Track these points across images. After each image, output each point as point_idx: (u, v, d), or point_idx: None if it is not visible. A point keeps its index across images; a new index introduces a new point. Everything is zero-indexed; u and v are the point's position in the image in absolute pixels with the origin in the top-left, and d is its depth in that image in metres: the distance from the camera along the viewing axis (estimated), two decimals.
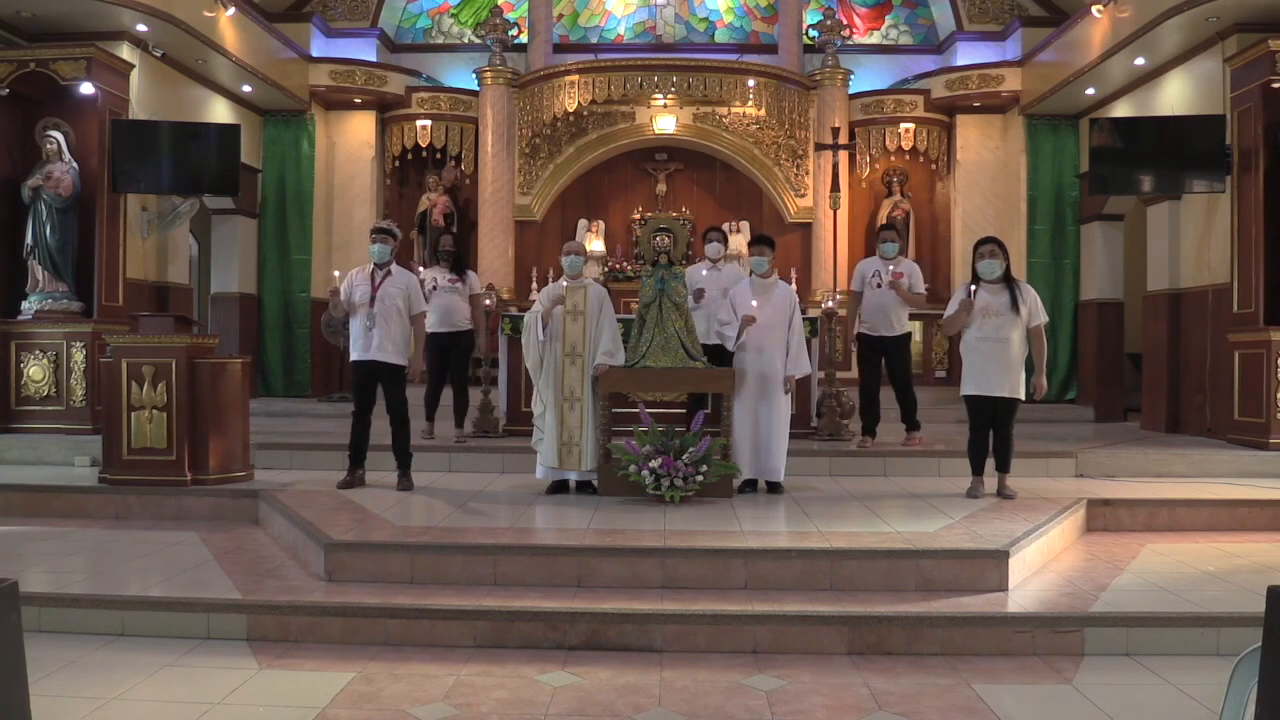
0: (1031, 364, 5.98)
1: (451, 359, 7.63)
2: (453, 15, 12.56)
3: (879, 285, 7.35)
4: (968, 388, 6.00)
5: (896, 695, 3.64)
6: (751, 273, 6.44)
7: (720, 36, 12.53)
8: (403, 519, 5.31)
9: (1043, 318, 5.97)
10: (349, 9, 11.99)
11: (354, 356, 6.31)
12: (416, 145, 11.72)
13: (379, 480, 6.48)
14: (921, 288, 7.63)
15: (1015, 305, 5.85)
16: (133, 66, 8.46)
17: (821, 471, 7.02)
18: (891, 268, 7.36)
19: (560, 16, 12.46)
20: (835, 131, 10.68)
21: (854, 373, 7.60)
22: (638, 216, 12.07)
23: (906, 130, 11.54)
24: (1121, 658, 4.05)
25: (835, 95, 11.51)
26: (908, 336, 7.57)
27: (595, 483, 6.11)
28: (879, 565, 4.54)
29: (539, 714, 3.44)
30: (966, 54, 11.56)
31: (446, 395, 7.77)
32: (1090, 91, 9.91)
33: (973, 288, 5.92)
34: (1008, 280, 5.96)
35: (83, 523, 5.97)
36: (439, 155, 11.88)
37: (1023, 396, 5.93)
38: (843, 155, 10.82)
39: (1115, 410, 10.25)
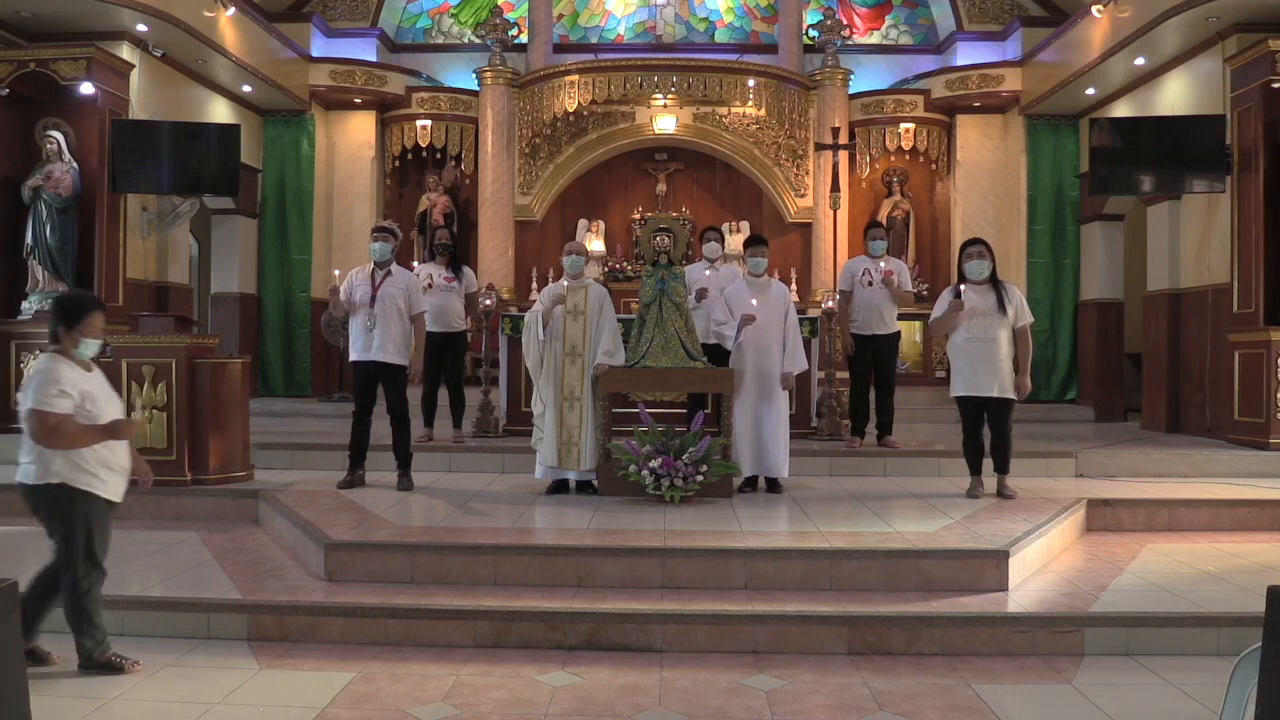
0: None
1: (446, 360, 7.60)
2: (453, 15, 12.56)
3: (869, 284, 7.34)
4: (958, 388, 6.02)
5: (896, 695, 3.64)
6: (748, 272, 6.44)
7: (720, 36, 12.53)
8: (403, 519, 5.31)
9: (1028, 318, 5.99)
10: (349, 9, 11.99)
11: (354, 357, 6.31)
12: (416, 145, 11.72)
13: (379, 480, 6.48)
14: (910, 285, 7.63)
15: (1002, 306, 5.88)
16: (133, 66, 8.46)
17: (821, 471, 7.02)
18: (882, 265, 7.37)
19: (560, 16, 12.46)
20: (835, 131, 10.67)
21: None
22: (638, 216, 12.06)
23: (906, 130, 11.54)
24: (1121, 658, 4.05)
25: (835, 95, 11.50)
26: (898, 335, 7.58)
27: (595, 482, 6.11)
28: (879, 565, 4.54)
29: (539, 714, 3.44)
30: (966, 54, 11.56)
31: (442, 397, 7.76)
32: (1090, 91, 9.91)
33: (961, 289, 5.93)
34: (994, 281, 5.98)
35: None
36: (439, 155, 11.88)
37: (1013, 396, 5.94)
38: (843, 155, 10.80)
39: (1115, 410, 10.25)
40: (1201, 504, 6.06)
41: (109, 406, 3.83)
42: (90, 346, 3.84)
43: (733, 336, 6.16)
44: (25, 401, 3.67)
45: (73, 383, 3.70)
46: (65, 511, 3.74)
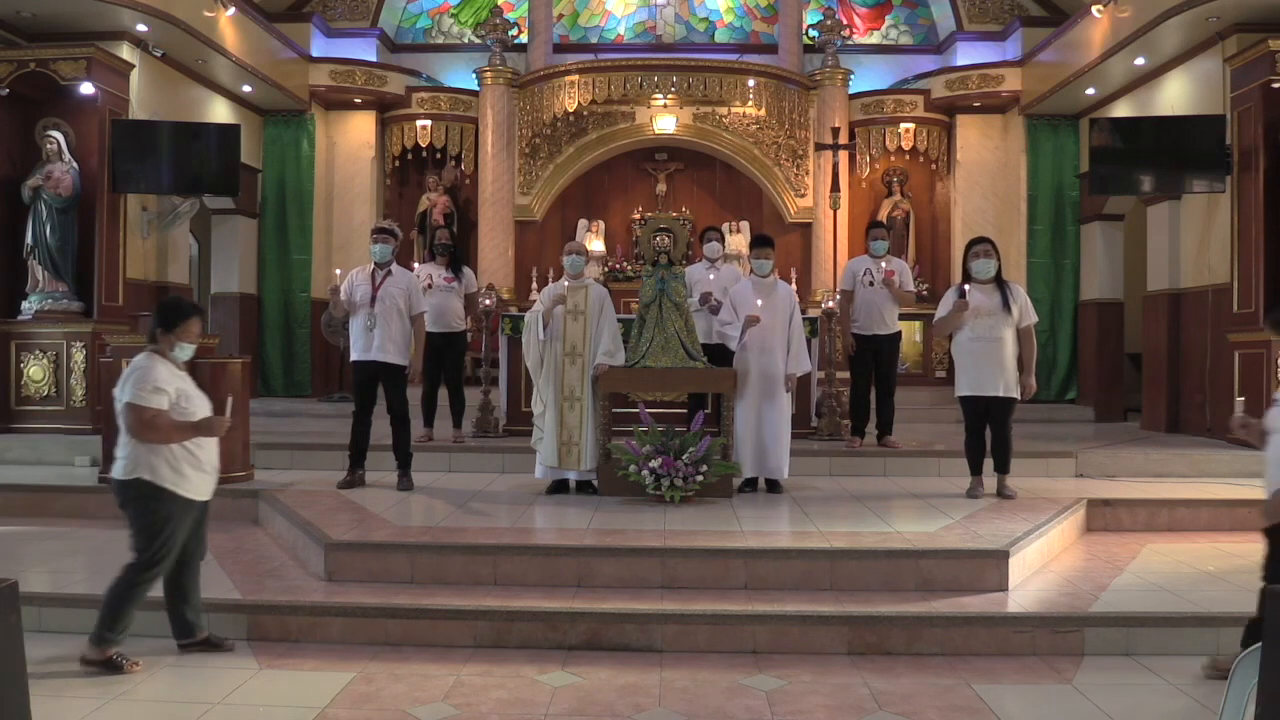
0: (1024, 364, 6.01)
1: (446, 360, 7.60)
2: (453, 15, 12.55)
3: (870, 284, 7.34)
4: (962, 388, 6.01)
5: (896, 695, 3.64)
6: (752, 273, 6.44)
7: (720, 36, 12.52)
8: (403, 519, 5.31)
9: (1033, 318, 5.99)
10: (349, 9, 11.99)
11: (355, 357, 6.31)
12: (416, 145, 11.71)
13: (379, 480, 6.48)
14: (912, 286, 7.64)
15: (1007, 305, 5.87)
16: (133, 66, 8.46)
17: (821, 471, 7.02)
18: (884, 265, 7.36)
19: (560, 16, 12.46)
20: (835, 131, 10.68)
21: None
22: (638, 216, 12.06)
23: (906, 130, 11.53)
24: (1121, 658, 4.05)
25: (835, 95, 11.50)
26: (899, 335, 7.58)
27: (595, 482, 6.11)
28: (879, 565, 4.55)
29: (539, 714, 3.44)
30: (966, 54, 11.55)
31: (442, 396, 7.75)
32: (1090, 91, 9.91)
33: (966, 288, 5.92)
34: (999, 280, 5.97)
35: (83, 523, 5.97)
36: (439, 155, 11.88)
37: (1017, 395, 5.94)
38: (843, 155, 10.81)
39: (1115, 410, 10.25)
40: (1201, 504, 6.06)
41: (202, 406, 3.99)
42: (184, 350, 4.01)
43: (737, 337, 6.16)
44: (122, 396, 3.82)
45: (168, 380, 3.87)
46: (148, 508, 3.86)
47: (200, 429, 3.91)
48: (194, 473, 3.93)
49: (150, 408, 3.80)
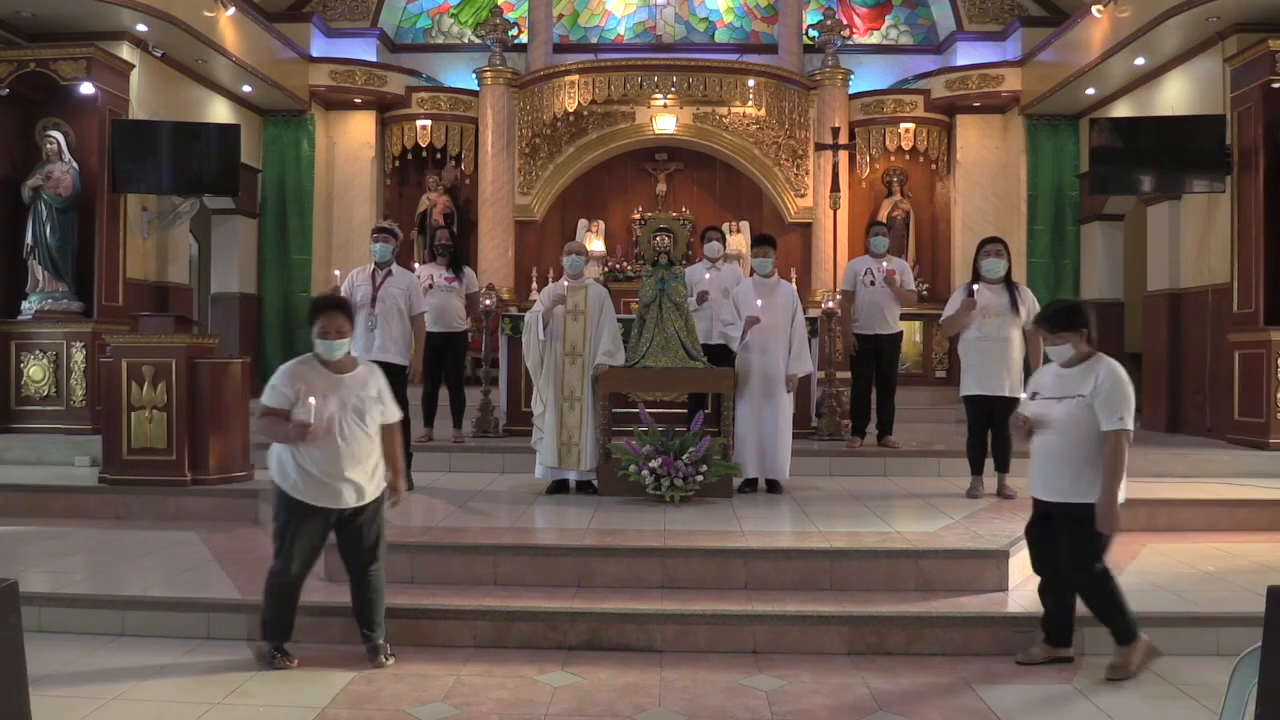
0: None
1: (446, 360, 7.59)
2: (453, 15, 12.55)
3: (871, 283, 7.33)
4: (968, 387, 6.01)
5: (896, 695, 3.64)
6: (753, 273, 6.44)
7: (720, 36, 12.52)
8: (403, 519, 5.30)
9: None
10: (349, 9, 11.99)
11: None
12: (416, 145, 11.71)
13: None
14: (913, 285, 7.63)
15: (1015, 305, 5.87)
16: (133, 66, 8.46)
17: (821, 471, 7.02)
18: (885, 264, 7.35)
19: (560, 16, 12.46)
20: (835, 131, 10.67)
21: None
22: (638, 216, 12.06)
23: (906, 130, 11.53)
24: None
25: (835, 95, 11.50)
26: (900, 335, 7.57)
27: (595, 482, 6.11)
28: (879, 565, 4.54)
29: (539, 714, 3.44)
30: (966, 54, 11.55)
31: (443, 396, 7.75)
32: (1090, 91, 9.91)
33: (975, 287, 5.93)
34: (1008, 281, 5.98)
35: (83, 523, 5.97)
36: (439, 155, 11.87)
37: (1021, 396, 5.93)
38: (843, 155, 10.80)
39: None
40: (1201, 504, 6.05)
41: (332, 410, 3.79)
42: (323, 346, 3.90)
43: (739, 337, 6.16)
44: None
45: (291, 381, 3.81)
46: (274, 509, 3.90)
47: (288, 435, 3.74)
48: (306, 479, 3.77)
49: (263, 404, 3.81)
